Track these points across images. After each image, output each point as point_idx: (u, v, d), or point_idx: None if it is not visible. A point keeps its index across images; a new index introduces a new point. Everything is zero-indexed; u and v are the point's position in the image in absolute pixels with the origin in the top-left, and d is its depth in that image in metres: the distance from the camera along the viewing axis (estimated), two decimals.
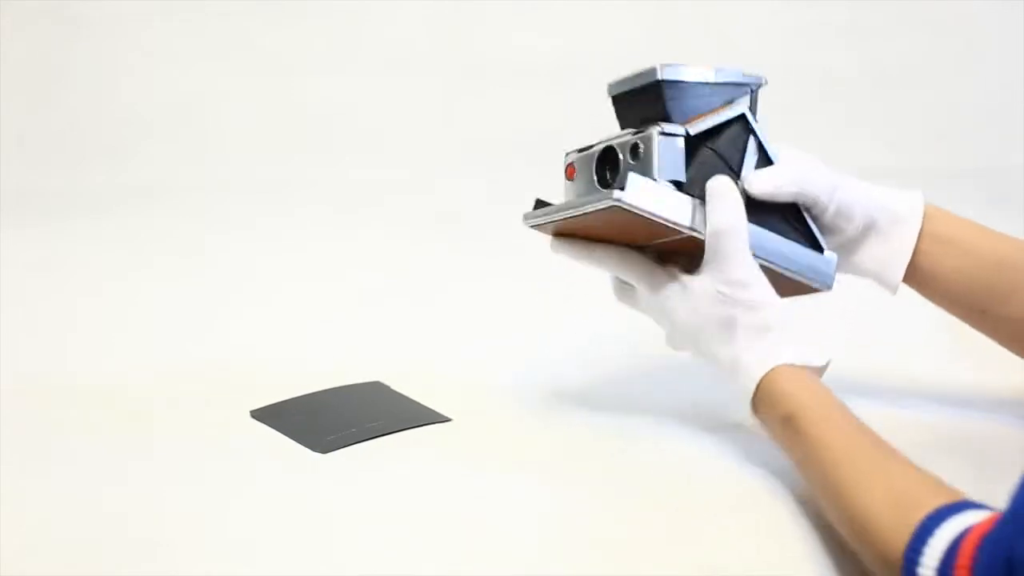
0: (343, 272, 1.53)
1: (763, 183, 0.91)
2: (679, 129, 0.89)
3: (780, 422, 0.85)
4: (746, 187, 0.91)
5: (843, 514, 0.78)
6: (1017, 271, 0.93)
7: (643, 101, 0.91)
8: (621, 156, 0.90)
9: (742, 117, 0.92)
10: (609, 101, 0.95)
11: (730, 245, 0.88)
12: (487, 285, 1.44)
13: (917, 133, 2.19)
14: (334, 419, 1.00)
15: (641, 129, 0.90)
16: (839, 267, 0.95)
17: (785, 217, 0.93)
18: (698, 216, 0.89)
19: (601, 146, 0.92)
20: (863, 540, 0.75)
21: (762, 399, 0.87)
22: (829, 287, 0.94)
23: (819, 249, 0.93)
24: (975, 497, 0.73)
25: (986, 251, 0.94)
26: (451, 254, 1.61)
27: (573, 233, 0.94)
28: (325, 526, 0.83)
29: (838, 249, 0.95)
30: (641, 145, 0.89)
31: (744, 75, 0.93)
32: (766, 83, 0.93)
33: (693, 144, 0.90)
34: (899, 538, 0.72)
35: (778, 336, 0.87)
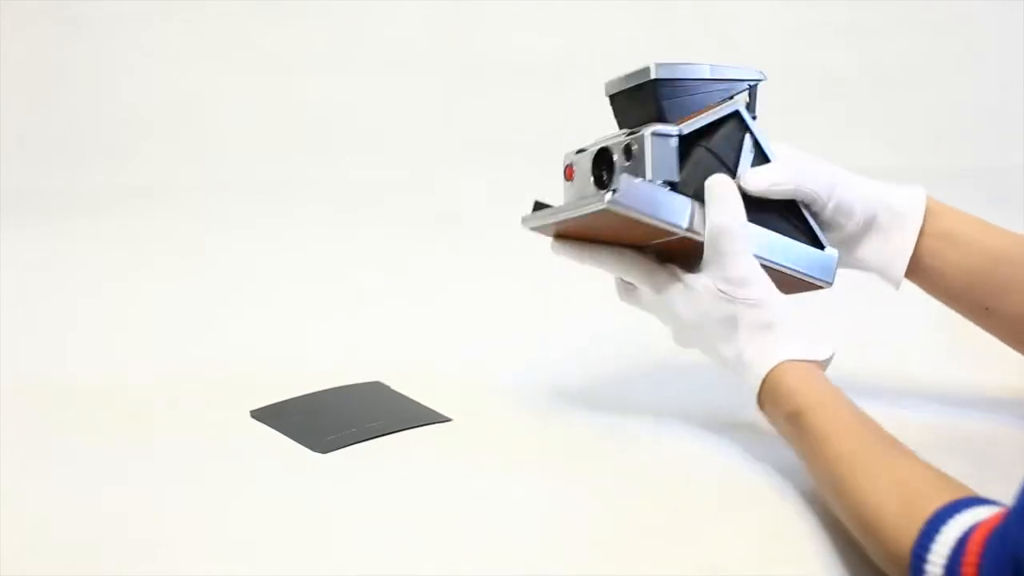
0: (343, 272, 1.53)
1: (759, 180, 0.91)
2: (672, 129, 0.89)
3: (786, 418, 0.85)
4: (742, 185, 0.90)
5: (850, 511, 0.78)
6: (1019, 267, 0.93)
7: (639, 100, 0.91)
8: (615, 157, 0.90)
9: (737, 114, 0.91)
10: (607, 100, 0.95)
11: (729, 243, 0.88)
12: (487, 285, 1.44)
13: (917, 133, 2.19)
14: (334, 419, 1.00)
15: (635, 129, 0.90)
16: (841, 262, 0.95)
17: (784, 215, 0.92)
18: (694, 216, 0.89)
19: (596, 147, 0.92)
20: (870, 536, 0.75)
21: (767, 396, 0.87)
22: (830, 283, 0.94)
23: (819, 246, 0.93)
24: None
25: (988, 246, 0.94)
26: (451, 254, 1.61)
27: (573, 234, 0.94)
28: (325, 526, 0.83)
29: (839, 245, 0.94)
30: (634, 146, 0.89)
31: (741, 71, 0.93)
32: (764, 79, 0.93)
33: (687, 143, 0.90)
34: (906, 535, 0.71)
35: (781, 332, 0.87)
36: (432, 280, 1.49)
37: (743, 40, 2.25)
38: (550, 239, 0.95)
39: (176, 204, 1.93)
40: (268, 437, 0.98)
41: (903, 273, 0.95)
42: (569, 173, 0.94)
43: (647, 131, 0.88)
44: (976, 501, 0.71)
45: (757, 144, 0.92)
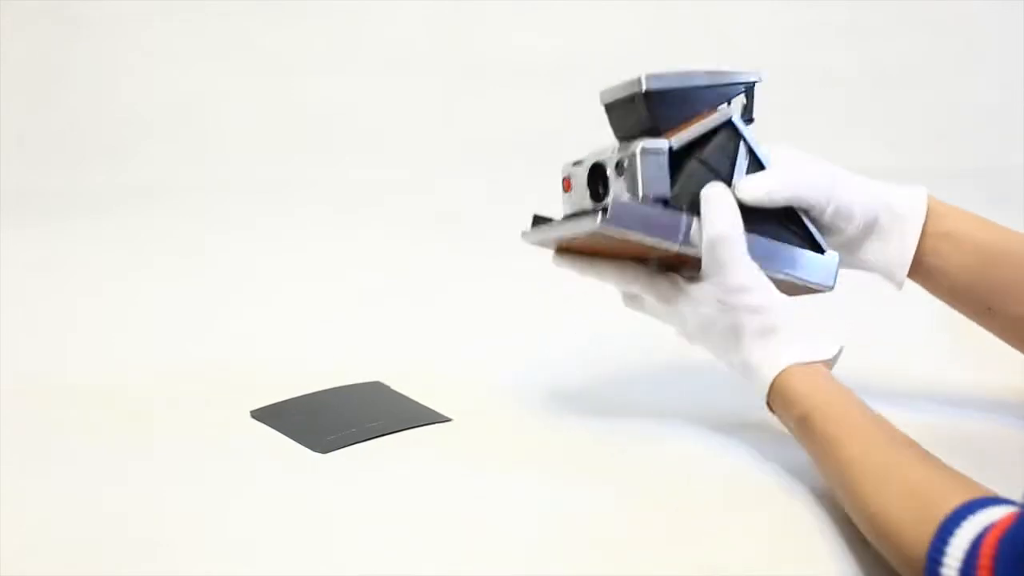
0: (343, 272, 1.52)
1: (754, 189, 0.90)
2: (662, 144, 0.88)
3: (795, 423, 0.86)
4: (738, 194, 0.89)
5: (862, 516, 0.77)
6: (1023, 267, 0.93)
7: (631, 111, 0.90)
8: (608, 171, 0.90)
9: (730, 123, 0.90)
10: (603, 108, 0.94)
11: (727, 252, 0.87)
12: (487, 285, 1.44)
13: (917, 133, 2.19)
14: (334, 419, 1.00)
15: (628, 143, 0.89)
16: (843, 263, 0.94)
17: (782, 221, 0.92)
18: (689, 230, 0.88)
19: (591, 161, 0.92)
20: (884, 541, 0.75)
21: (776, 401, 0.87)
22: (831, 288, 0.94)
23: (819, 250, 0.93)
24: None
25: (991, 246, 0.93)
26: (451, 254, 1.61)
27: (574, 249, 0.93)
28: (325, 526, 0.83)
29: (840, 248, 0.94)
30: (625, 162, 0.88)
31: (737, 74, 0.91)
32: (761, 80, 0.92)
33: (680, 155, 0.89)
34: (919, 537, 0.71)
35: (785, 336, 0.87)
36: (432, 280, 1.49)
37: (743, 40, 2.25)
38: (551, 252, 0.95)
39: (176, 204, 1.93)
40: (268, 437, 0.98)
41: (905, 275, 0.94)
42: (567, 185, 0.94)
43: (637, 147, 0.88)
44: (991, 501, 0.71)
45: (751, 152, 0.91)
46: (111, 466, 0.93)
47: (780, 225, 0.92)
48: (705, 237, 0.88)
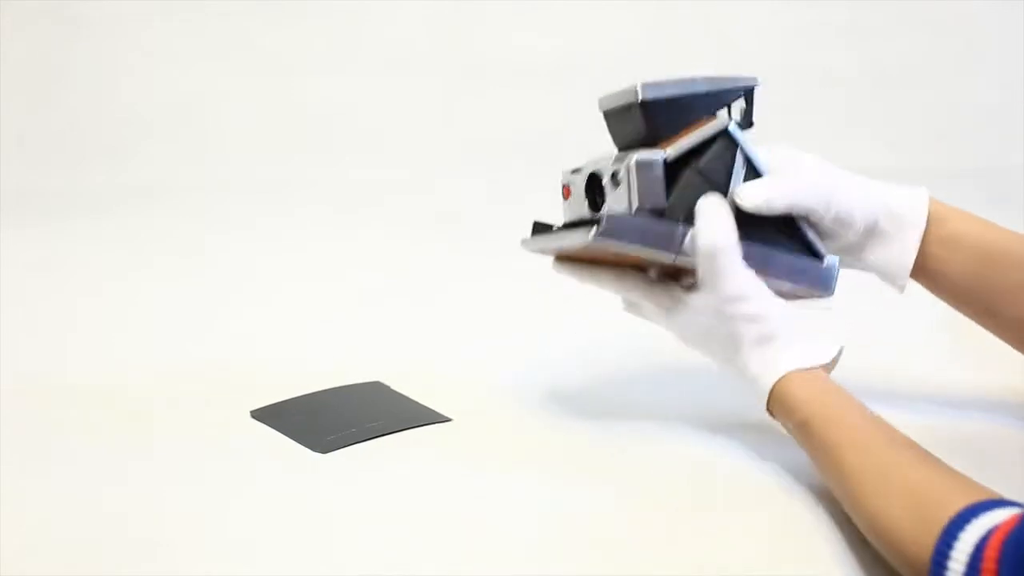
0: (343, 272, 1.53)
1: (753, 197, 0.89)
2: (657, 155, 0.88)
3: (796, 428, 0.86)
4: (736, 202, 0.89)
5: (862, 515, 0.77)
6: (1022, 269, 0.92)
7: (628, 120, 0.90)
8: (604, 182, 0.89)
9: (726, 132, 0.90)
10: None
11: (721, 262, 0.87)
12: (487, 285, 1.44)
13: (917, 133, 2.19)
14: (334, 419, 1.00)
15: (625, 153, 0.89)
16: (844, 265, 0.94)
17: (779, 228, 0.91)
18: (684, 241, 0.88)
19: (588, 170, 0.91)
20: (884, 541, 0.75)
21: (776, 407, 0.87)
22: (830, 294, 0.94)
23: (818, 256, 0.92)
24: None
25: (993, 248, 0.93)
26: (451, 254, 1.61)
27: (573, 257, 0.93)
28: (325, 526, 0.83)
29: (841, 252, 0.93)
30: (620, 173, 0.88)
31: (735, 79, 0.91)
32: (759, 84, 0.91)
33: (676, 165, 0.88)
34: (924, 544, 0.71)
35: (783, 342, 0.87)
36: (432, 280, 1.49)
37: (743, 40, 2.25)
38: (551, 259, 0.95)
39: (176, 204, 1.93)
40: (268, 437, 0.98)
41: (906, 280, 0.94)
42: (566, 192, 0.94)
43: (632, 159, 0.87)
44: (995, 503, 0.71)
45: (748, 160, 0.90)
46: (111, 466, 0.93)
47: (778, 232, 0.91)
48: (700, 247, 0.87)
